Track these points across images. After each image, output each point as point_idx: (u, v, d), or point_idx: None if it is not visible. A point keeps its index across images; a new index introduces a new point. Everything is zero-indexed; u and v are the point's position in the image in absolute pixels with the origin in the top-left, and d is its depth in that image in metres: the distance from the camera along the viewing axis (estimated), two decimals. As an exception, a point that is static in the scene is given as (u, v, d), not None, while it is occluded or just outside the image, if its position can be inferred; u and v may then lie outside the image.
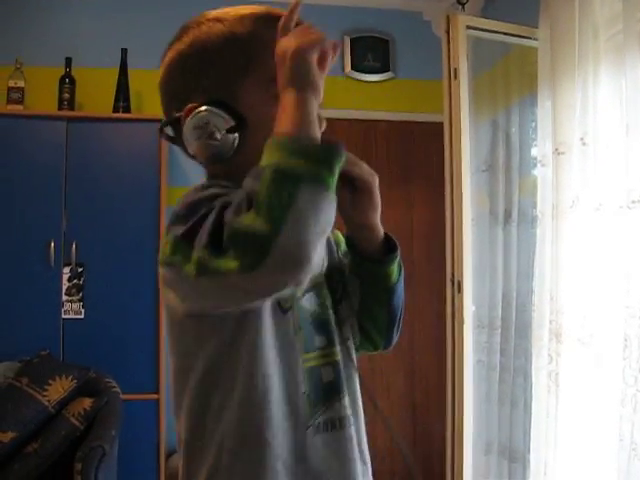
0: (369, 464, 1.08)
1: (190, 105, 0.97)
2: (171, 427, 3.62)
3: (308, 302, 1.02)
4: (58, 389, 2.86)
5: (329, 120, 1.02)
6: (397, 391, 4.05)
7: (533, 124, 3.12)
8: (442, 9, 3.91)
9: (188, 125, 0.96)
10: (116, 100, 3.56)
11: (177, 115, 0.99)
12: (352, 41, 4.05)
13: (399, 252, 1.08)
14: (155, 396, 3.33)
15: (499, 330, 3.10)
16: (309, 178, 0.78)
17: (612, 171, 2.48)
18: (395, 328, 1.13)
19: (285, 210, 0.76)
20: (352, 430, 1.02)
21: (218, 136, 0.95)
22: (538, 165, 2.91)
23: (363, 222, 1.03)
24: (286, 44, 0.87)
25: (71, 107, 3.52)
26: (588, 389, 2.50)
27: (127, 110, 3.57)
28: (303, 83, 0.86)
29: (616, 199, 2.43)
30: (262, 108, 0.96)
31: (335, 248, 1.14)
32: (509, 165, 3.19)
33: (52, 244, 3.30)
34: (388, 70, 4.11)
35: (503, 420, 3.08)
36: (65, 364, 3.09)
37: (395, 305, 1.10)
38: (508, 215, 3.15)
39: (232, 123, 0.95)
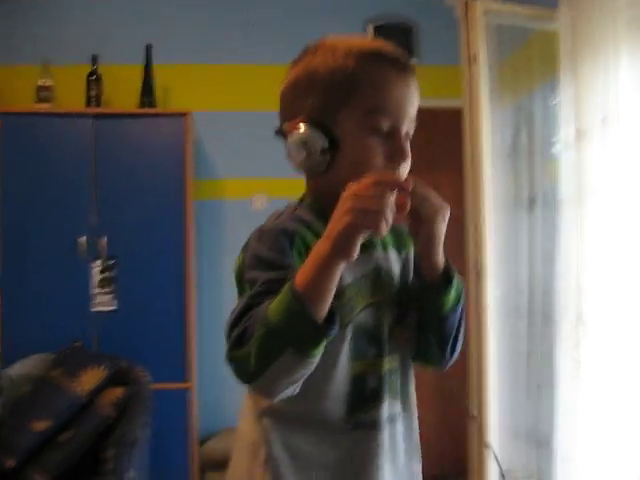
0: (415, 458, 1.23)
1: (294, 121, 1.10)
2: (203, 415, 3.70)
3: (366, 316, 1.13)
4: (90, 379, 2.94)
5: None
6: (427, 381, 4.04)
7: (557, 108, 3.08)
8: (465, -7, 3.89)
9: (290, 140, 1.10)
10: (142, 95, 3.63)
11: (284, 127, 1.14)
12: (375, 29, 4.06)
13: (455, 283, 1.13)
14: (186, 385, 3.40)
15: (525, 315, 3.08)
16: (293, 349, 0.92)
17: (635, 152, 2.45)
18: (447, 351, 1.19)
19: (267, 365, 0.93)
20: (385, 434, 1.14)
21: (312, 153, 1.08)
22: (561, 147, 2.88)
23: (422, 251, 1.10)
24: (350, 204, 0.92)
25: (98, 104, 3.61)
26: (612, 376, 2.48)
27: (153, 105, 3.64)
28: (340, 247, 0.92)
29: None
30: (355, 135, 1.09)
31: (411, 270, 1.22)
32: (533, 150, 3.16)
33: (83, 238, 3.38)
34: (412, 56, 4.10)
35: (529, 406, 3.06)
36: (97, 354, 3.18)
37: (447, 332, 1.16)
38: (532, 200, 3.12)
39: (326, 144, 1.08)
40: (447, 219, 1.05)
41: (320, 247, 0.94)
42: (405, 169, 1.14)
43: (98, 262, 3.41)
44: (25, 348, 3.21)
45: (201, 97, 3.93)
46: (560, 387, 2.77)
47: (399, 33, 4.09)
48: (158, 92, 3.69)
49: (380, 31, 4.06)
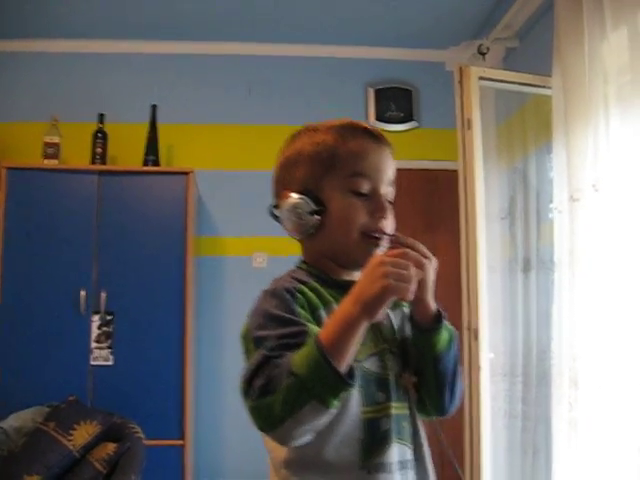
0: None
1: (285, 192, 1.26)
2: (197, 473, 3.66)
3: (371, 364, 1.20)
4: (83, 434, 2.94)
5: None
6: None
7: (551, 172, 3.14)
8: (464, 59, 4.00)
9: (283, 207, 1.25)
10: (146, 154, 3.71)
11: (277, 201, 1.28)
12: (376, 92, 4.16)
13: (446, 324, 1.23)
14: (180, 442, 3.38)
15: (520, 378, 3.08)
16: (317, 400, 1.00)
17: (624, 217, 2.48)
18: (445, 395, 1.26)
19: (291, 414, 1.00)
20: (397, 476, 1.17)
21: (303, 217, 1.23)
22: (555, 212, 2.92)
23: (415, 297, 1.12)
24: (384, 270, 1.02)
25: (103, 161, 3.69)
26: (607, 437, 2.47)
27: (156, 163, 3.71)
28: (369, 309, 1.02)
29: (630, 245, 2.43)
30: (339, 198, 1.24)
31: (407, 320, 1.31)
32: (528, 212, 3.21)
33: (83, 292, 3.42)
34: (412, 120, 4.20)
35: (526, 469, 3.03)
36: (91, 409, 3.17)
37: (442, 372, 1.24)
38: (527, 262, 3.15)
39: (314, 207, 1.23)
40: (436, 267, 1.14)
41: (347, 309, 1.03)
42: (388, 225, 1.25)
43: (97, 317, 3.43)
44: (21, 400, 3.20)
45: (204, 156, 4.01)
46: (556, 449, 2.74)
47: (399, 97, 4.18)
48: (162, 150, 3.77)
49: (380, 94, 4.16)
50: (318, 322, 1.14)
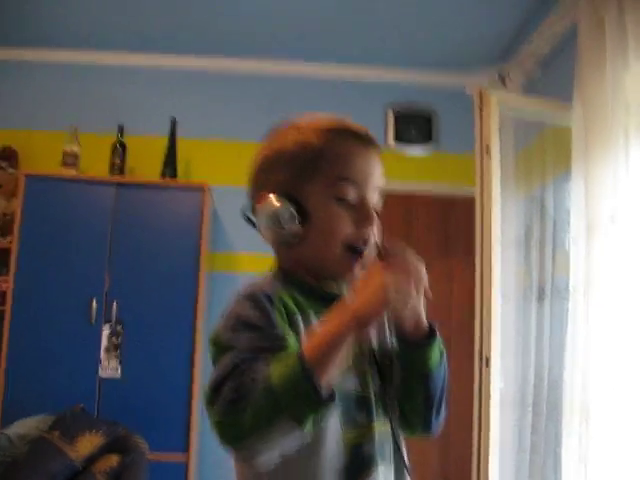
0: None
1: (262, 193, 1.14)
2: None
3: (350, 383, 1.11)
4: (87, 444, 2.92)
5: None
6: (431, 467, 3.96)
7: (568, 201, 3.12)
8: (484, 84, 3.99)
9: (260, 212, 1.14)
10: (164, 167, 3.72)
11: (254, 204, 1.17)
12: (395, 115, 4.15)
13: (438, 340, 1.15)
14: (185, 457, 3.36)
15: (530, 408, 3.03)
16: (291, 416, 0.91)
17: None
18: (432, 414, 1.18)
19: (260, 428, 0.92)
20: None
21: (284, 225, 1.11)
22: (571, 241, 2.90)
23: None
24: (388, 280, 0.97)
25: (121, 172, 3.70)
26: (618, 473, 2.42)
27: (174, 177, 3.72)
28: (359, 321, 0.96)
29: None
30: (323, 204, 1.13)
31: (389, 333, 1.23)
32: (544, 241, 3.18)
33: (94, 302, 3.42)
34: (431, 143, 4.18)
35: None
36: (96, 420, 3.15)
37: (432, 391, 1.16)
38: (542, 291, 3.12)
39: (296, 215, 1.11)
40: (426, 276, 1.06)
41: (338, 317, 0.96)
42: (374, 235, 1.16)
43: (107, 325, 3.42)
44: (28, 408, 3.19)
45: (221, 172, 4.01)
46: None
47: (418, 120, 4.18)
48: (180, 164, 3.79)
49: (400, 117, 4.15)
50: (294, 327, 1.07)
